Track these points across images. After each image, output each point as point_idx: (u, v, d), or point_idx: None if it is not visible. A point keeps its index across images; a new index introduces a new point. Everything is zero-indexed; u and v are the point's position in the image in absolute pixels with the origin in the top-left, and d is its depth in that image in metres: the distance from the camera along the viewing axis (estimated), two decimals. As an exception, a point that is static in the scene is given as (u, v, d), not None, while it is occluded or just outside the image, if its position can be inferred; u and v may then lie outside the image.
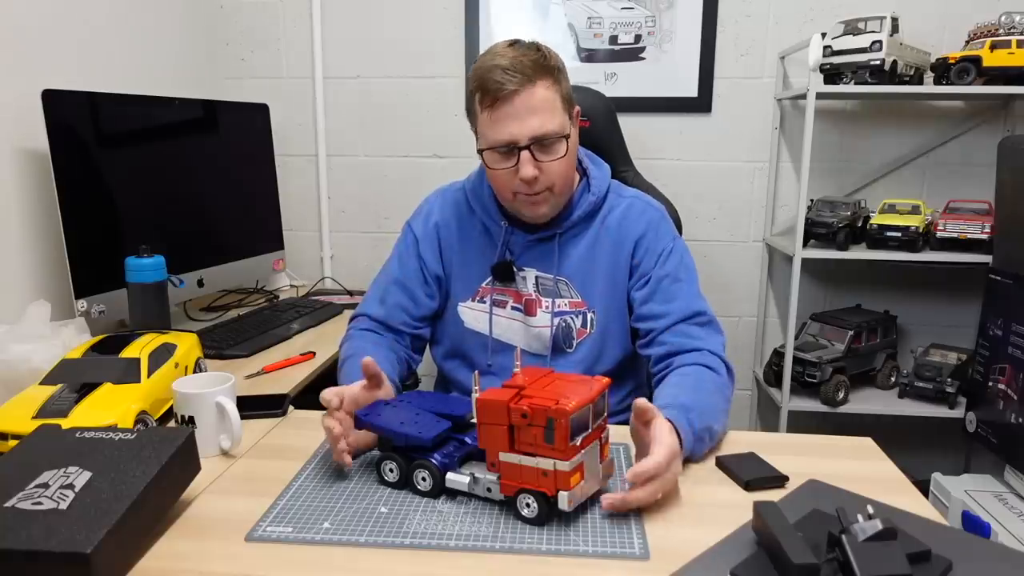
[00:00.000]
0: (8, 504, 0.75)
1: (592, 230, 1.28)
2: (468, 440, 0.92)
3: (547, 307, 1.28)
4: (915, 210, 2.00)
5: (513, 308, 1.29)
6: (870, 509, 0.73)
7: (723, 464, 0.99)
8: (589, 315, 1.28)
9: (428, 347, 1.39)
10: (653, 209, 1.30)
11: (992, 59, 1.84)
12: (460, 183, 1.36)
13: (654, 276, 1.24)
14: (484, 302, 1.30)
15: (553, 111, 1.15)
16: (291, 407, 1.22)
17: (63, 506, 0.75)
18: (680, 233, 1.63)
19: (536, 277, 1.28)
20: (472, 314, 1.31)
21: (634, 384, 1.37)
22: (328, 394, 0.96)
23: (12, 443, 0.90)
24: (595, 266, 1.27)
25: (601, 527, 0.84)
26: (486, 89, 1.13)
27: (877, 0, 2.00)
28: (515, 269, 1.28)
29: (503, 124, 1.13)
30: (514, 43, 1.16)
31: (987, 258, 1.90)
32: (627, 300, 1.28)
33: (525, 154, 1.14)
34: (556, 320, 1.27)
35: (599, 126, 1.72)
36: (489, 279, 1.29)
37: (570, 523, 0.84)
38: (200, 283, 1.78)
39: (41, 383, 1.05)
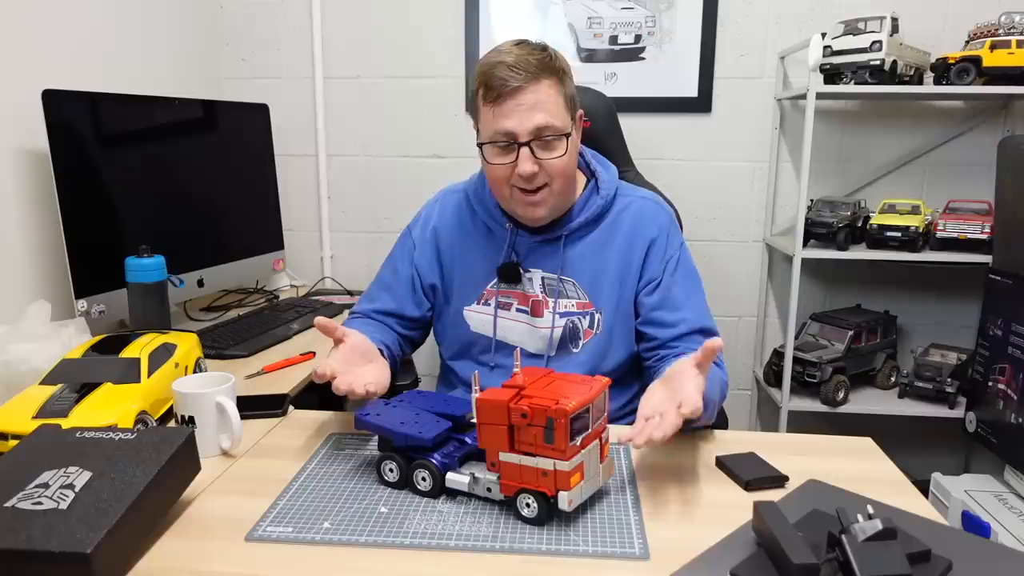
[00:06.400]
0: (8, 504, 0.75)
1: (601, 230, 1.27)
2: (468, 440, 0.92)
3: (553, 307, 1.27)
4: (915, 210, 2.00)
5: (518, 310, 1.29)
6: (870, 509, 0.73)
7: (723, 464, 0.99)
8: (596, 315, 1.27)
9: (437, 345, 1.40)
10: (665, 212, 1.31)
11: (992, 59, 1.84)
12: (462, 185, 1.36)
13: (664, 283, 1.25)
14: (489, 305, 1.30)
15: (556, 109, 1.15)
16: (291, 407, 1.22)
17: (63, 506, 0.75)
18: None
19: (543, 278, 1.27)
20: (478, 317, 1.31)
21: (639, 386, 1.36)
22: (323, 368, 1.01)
23: (12, 443, 0.90)
24: (604, 266, 1.26)
25: (601, 527, 0.84)
26: (490, 85, 1.13)
27: (877, 0, 2.00)
28: (521, 270, 1.27)
29: (505, 118, 1.14)
30: (521, 42, 1.17)
31: (987, 258, 1.90)
32: (634, 302, 1.27)
33: (524, 150, 1.14)
34: (563, 321, 1.27)
35: (599, 126, 1.72)
36: (494, 281, 1.29)
37: (570, 523, 0.84)
38: (200, 283, 1.78)
39: (41, 383, 1.05)
